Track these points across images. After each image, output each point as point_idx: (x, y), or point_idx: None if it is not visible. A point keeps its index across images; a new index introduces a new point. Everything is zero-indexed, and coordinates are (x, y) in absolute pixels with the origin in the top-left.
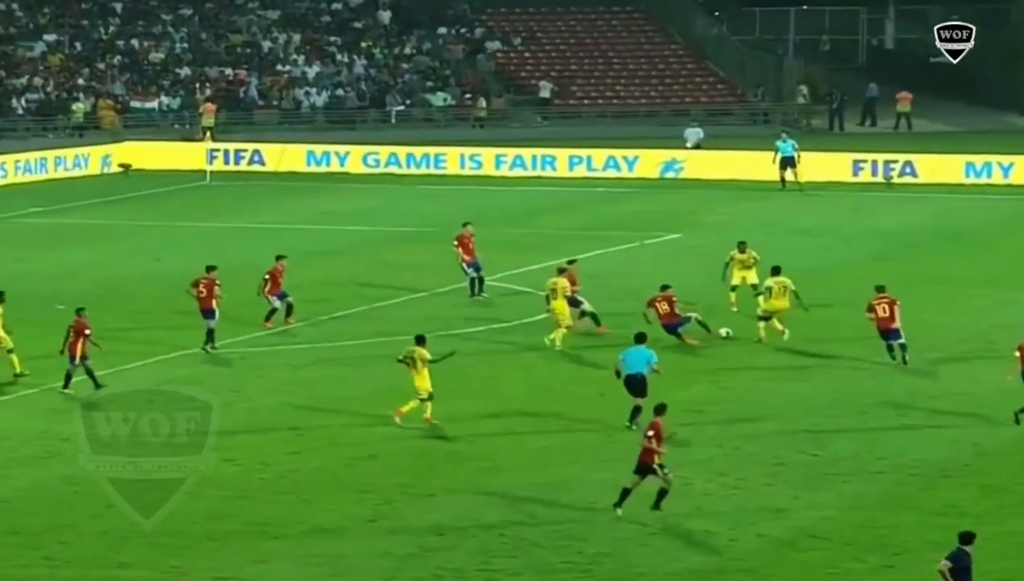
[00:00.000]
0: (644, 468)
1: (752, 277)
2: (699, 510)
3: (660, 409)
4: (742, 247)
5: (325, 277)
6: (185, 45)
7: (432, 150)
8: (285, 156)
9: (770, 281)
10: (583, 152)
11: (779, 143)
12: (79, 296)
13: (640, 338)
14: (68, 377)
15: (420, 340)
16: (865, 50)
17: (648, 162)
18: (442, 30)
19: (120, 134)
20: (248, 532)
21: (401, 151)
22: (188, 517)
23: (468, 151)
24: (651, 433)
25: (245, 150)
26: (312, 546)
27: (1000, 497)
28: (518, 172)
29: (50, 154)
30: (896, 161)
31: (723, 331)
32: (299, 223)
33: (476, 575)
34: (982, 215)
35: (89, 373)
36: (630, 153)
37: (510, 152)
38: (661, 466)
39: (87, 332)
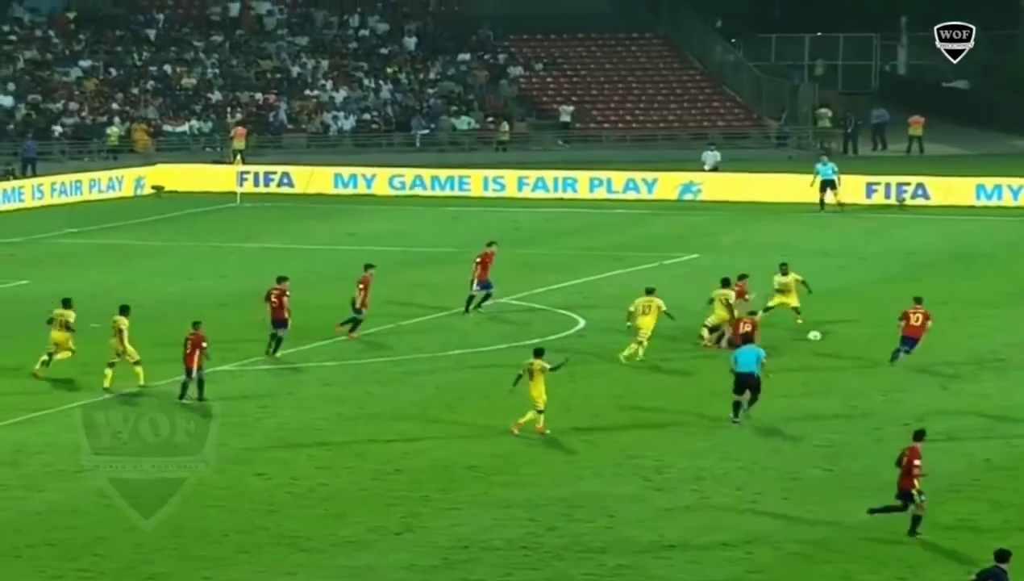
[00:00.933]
0: (905, 494)
1: (793, 301)
2: (716, 524)
3: (920, 435)
4: (784, 269)
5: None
6: (216, 71)
7: (456, 172)
8: (313, 178)
9: (714, 293)
10: (603, 175)
11: (819, 166)
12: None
13: (747, 338)
14: (184, 387)
15: (538, 353)
16: (878, 75)
17: (666, 184)
18: (466, 56)
19: (153, 157)
20: (278, 544)
21: (426, 173)
22: (220, 530)
23: (491, 173)
24: (918, 462)
25: (274, 172)
26: (340, 558)
27: (1010, 512)
28: (540, 194)
29: (85, 176)
30: (908, 183)
31: (812, 334)
32: (327, 244)
33: None
34: (993, 236)
35: (200, 384)
36: (649, 176)
37: (532, 174)
38: (920, 492)
39: (204, 345)
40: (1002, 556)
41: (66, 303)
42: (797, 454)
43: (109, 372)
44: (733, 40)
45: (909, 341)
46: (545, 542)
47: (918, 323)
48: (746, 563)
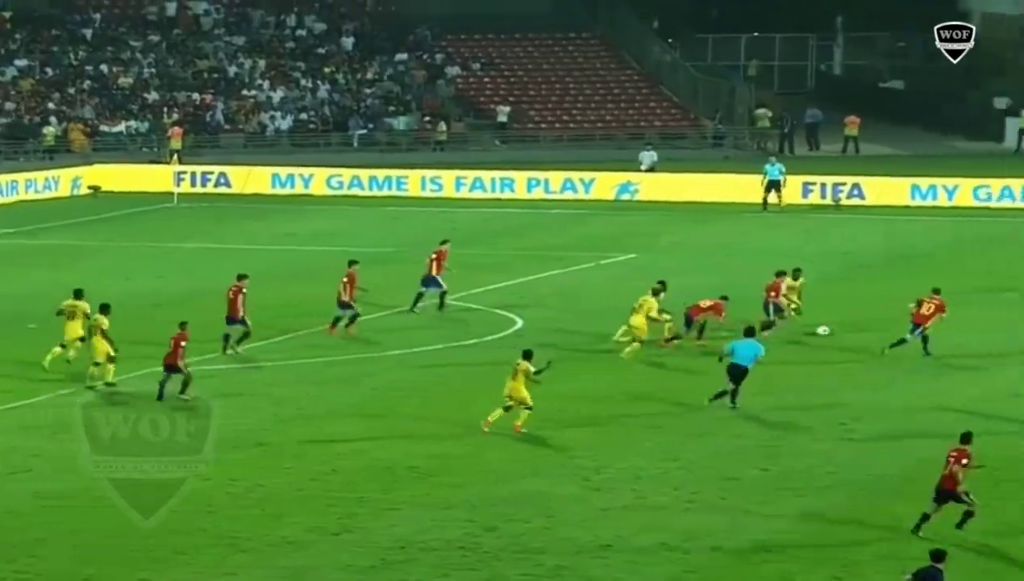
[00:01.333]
0: (945, 495)
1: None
2: (654, 524)
3: (967, 438)
4: (796, 274)
5: (291, 297)
6: (153, 70)
7: (394, 173)
8: (251, 178)
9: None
10: (540, 175)
11: (767, 167)
12: (50, 316)
13: (749, 332)
14: (185, 384)
15: (527, 355)
16: (814, 75)
17: (604, 184)
18: (403, 56)
19: (90, 157)
20: (217, 545)
21: (364, 174)
22: (158, 531)
23: (429, 174)
24: (965, 461)
25: (211, 172)
26: (279, 559)
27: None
28: (477, 194)
29: (21, 177)
30: (844, 184)
31: (821, 329)
32: (265, 244)
33: None
34: (928, 236)
35: (163, 384)
36: (586, 176)
37: (470, 175)
38: (967, 493)
39: (183, 343)
40: (938, 556)
41: (78, 294)
42: (735, 454)
43: (111, 367)
44: (670, 40)
45: (918, 328)
46: (484, 542)
47: (928, 312)
48: (683, 563)
